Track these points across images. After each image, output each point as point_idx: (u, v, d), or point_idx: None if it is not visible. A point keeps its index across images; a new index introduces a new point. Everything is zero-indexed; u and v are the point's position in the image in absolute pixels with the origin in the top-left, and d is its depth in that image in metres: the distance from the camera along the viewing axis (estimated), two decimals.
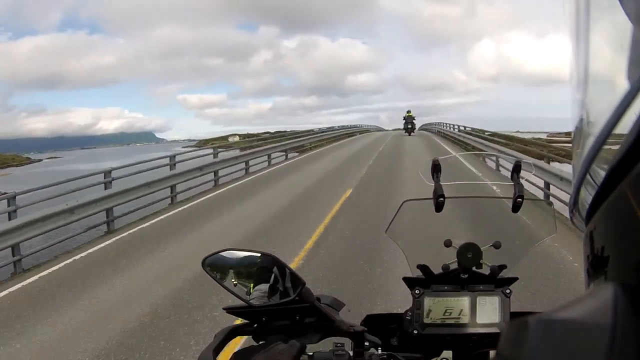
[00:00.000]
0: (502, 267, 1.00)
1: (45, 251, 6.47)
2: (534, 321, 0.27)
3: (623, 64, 0.27)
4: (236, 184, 11.68)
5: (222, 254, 0.96)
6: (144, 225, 7.65)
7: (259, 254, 0.96)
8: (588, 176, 0.33)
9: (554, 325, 0.27)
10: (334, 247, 5.74)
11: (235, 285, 0.94)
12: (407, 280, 1.03)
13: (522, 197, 0.97)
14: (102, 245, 6.63)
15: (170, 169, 9.87)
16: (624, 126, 0.26)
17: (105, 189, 7.80)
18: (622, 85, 0.26)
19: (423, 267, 1.01)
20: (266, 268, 0.94)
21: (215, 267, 0.96)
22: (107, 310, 4.25)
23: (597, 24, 0.33)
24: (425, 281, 1.01)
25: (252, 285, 0.94)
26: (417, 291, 1.00)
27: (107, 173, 7.97)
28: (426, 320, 0.99)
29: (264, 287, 0.93)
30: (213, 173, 11.29)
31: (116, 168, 8.49)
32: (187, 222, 7.64)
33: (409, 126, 31.29)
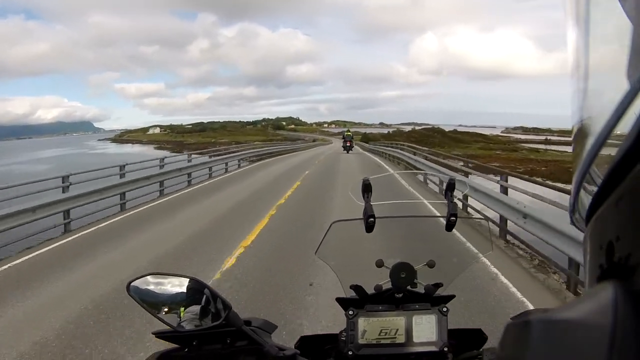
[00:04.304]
0: (437, 285, 1.00)
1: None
2: (535, 321, 0.28)
3: (623, 64, 0.27)
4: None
5: (148, 278, 0.93)
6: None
7: (187, 278, 0.93)
8: (588, 176, 0.33)
9: (554, 325, 0.27)
10: None
11: (164, 309, 0.91)
12: (340, 300, 1.01)
13: (455, 215, 0.97)
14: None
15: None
16: (624, 126, 0.26)
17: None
18: (622, 85, 0.26)
19: (356, 288, 1.00)
20: (197, 290, 0.92)
21: (142, 292, 0.91)
22: None
23: (597, 23, 0.33)
24: (359, 301, 1.00)
25: (182, 309, 0.91)
26: (350, 312, 0.99)
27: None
28: (361, 341, 0.97)
29: (195, 309, 0.91)
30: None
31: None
32: None
33: (348, 144, 34.11)
